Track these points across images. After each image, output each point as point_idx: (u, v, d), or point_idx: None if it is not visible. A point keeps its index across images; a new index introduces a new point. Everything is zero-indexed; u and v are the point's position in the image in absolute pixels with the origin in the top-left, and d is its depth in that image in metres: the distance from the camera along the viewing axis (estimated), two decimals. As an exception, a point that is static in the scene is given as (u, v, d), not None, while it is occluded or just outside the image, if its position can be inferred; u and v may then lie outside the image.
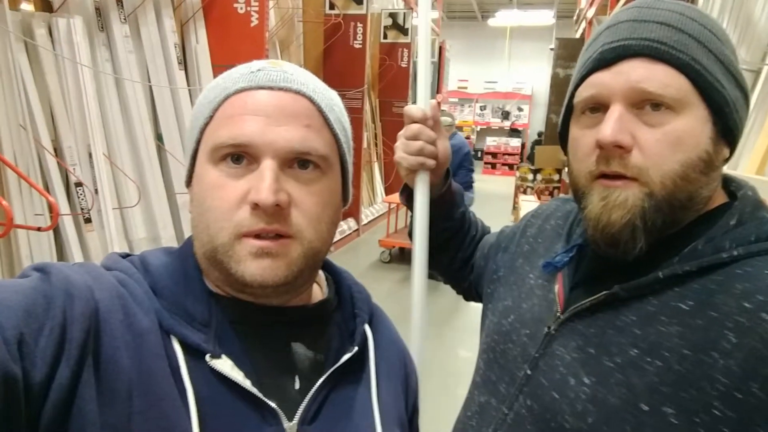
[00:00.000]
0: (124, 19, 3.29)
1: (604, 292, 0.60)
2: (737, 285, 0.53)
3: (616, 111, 0.57)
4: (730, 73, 0.58)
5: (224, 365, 0.50)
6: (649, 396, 0.53)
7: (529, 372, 0.65)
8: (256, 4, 3.90)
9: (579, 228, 0.71)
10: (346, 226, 6.17)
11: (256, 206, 0.49)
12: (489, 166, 15.56)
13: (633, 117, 0.57)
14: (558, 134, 0.71)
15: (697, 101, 0.56)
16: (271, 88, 0.52)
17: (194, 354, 0.50)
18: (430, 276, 0.87)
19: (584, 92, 0.61)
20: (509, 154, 15.30)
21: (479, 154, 15.69)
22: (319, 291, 0.64)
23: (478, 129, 16.24)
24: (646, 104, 0.57)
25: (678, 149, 0.56)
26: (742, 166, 2.27)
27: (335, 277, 0.66)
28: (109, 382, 0.45)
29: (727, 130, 0.58)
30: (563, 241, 0.73)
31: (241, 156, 0.51)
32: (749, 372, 0.49)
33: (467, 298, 0.97)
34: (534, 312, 0.69)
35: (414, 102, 0.82)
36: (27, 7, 3.05)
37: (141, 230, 3.35)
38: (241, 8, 3.92)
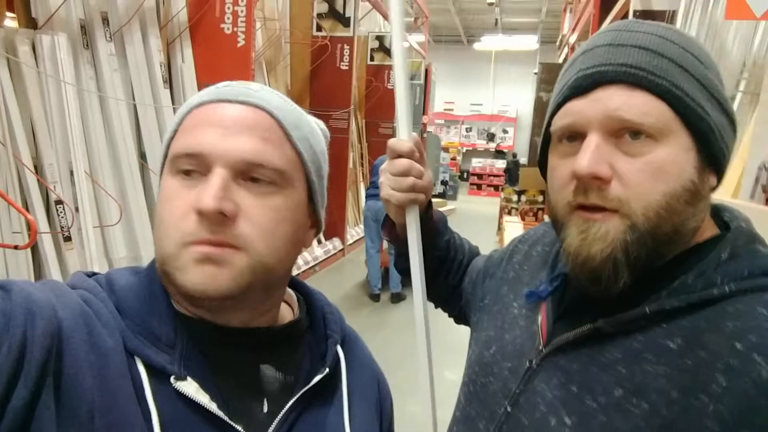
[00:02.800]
0: (110, 37, 3.29)
1: (588, 326, 0.57)
2: (728, 323, 0.50)
3: (593, 141, 0.54)
4: (715, 99, 0.55)
5: (189, 387, 0.49)
6: None
7: (509, 409, 0.62)
8: (243, 24, 3.93)
9: None
10: (332, 245, 6.15)
11: (201, 214, 0.48)
12: (474, 187, 15.68)
13: (611, 147, 0.54)
14: (537, 162, 0.69)
15: (679, 128, 0.54)
16: (230, 101, 0.53)
17: (159, 376, 0.49)
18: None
19: (560, 121, 0.59)
20: (494, 176, 15.44)
21: (465, 175, 15.83)
22: (289, 312, 0.63)
23: (464, 150, 16.40)
24: (624, 133, 0.54)
25: (660, 179, 0.53)
26: (719, 191, 2.32)
27: (307, 298, 0.65)
28: (70, 404, 0.44)
29: (713, 157, 0.55)
30: (549, 269, 0.70)
31: (192, 171, 0.51)
32: (741, 418, 0.46)
33: (458, 322, 0.95)
34: (516, 344, 0.66)
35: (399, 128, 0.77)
36: (11, 23, 3.04)
37: (122, 249, 3.31)
38: (228, 28, 3.95)
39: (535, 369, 0.61)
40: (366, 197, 4.88)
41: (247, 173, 0.51)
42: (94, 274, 0.55)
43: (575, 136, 0.57)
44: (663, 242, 0.54)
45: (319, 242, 6.06)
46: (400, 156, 0.75)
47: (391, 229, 0.86)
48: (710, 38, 2.59)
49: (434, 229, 0.87)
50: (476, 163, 15.76)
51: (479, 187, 15.66)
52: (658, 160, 0.53)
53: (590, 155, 0.53)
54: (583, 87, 0.56)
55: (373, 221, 4.75)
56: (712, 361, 0.49)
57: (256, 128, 0.52)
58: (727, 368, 0.48)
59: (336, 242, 6.27)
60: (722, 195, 2.18)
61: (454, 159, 15.00)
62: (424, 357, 0.76)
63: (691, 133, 0.54)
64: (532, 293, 0.66)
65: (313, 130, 0.58)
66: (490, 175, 15.52)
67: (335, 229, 6.27)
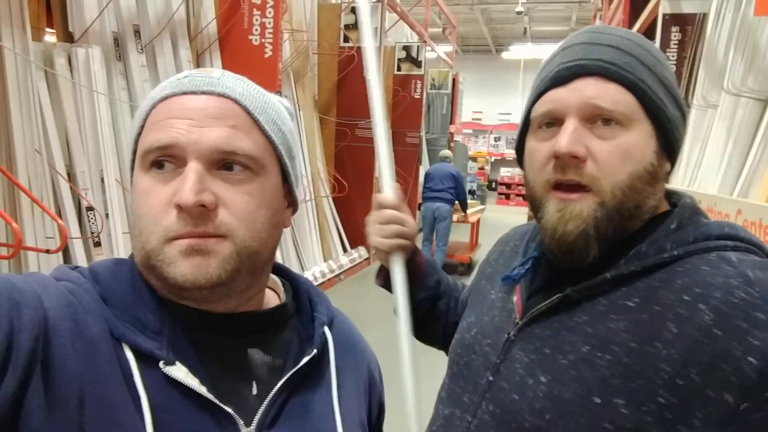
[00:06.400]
0: (141, 49, 3.40)
1: (558, 295, 0.64)
2: (677, 281, 0.58)
3: (571, 124, 0.61)
4: (671, 94, 0.64)
5: (179, 372, 0.49)
6: (600, 389, 0.57)
7: (491, 378, 0.67)
8: (271, 36, 4.01)
9: (534, 243, 0.76)
10: (357, 254, 6.16)
11: (180, 209, 0.49)
12: (503, 196, 15.55)
13: (586, 131, 0.61)
14: (515, 148, 0.75)
15: (643, 118, 0.62)
16: (194, 93, 0.53)
17: (148, 361, 0.49)
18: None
19: (541, 108, 0.65)
20: (523, 185, 15.26)
21: (493, 185, 15.70)
22: (275, 297, 0.64)
23: (493, 160, 16.28)
24: (597, 119, 0.61)
25: (627, 161, 0.61)
26: (752, 194, 2.23)
27: (292, 282, 0.66)
28: (60, 391, 0.44)
29: (668, 145, 0.64)
30: (520, 257, 0.77)
31: (165, 162, 0.51)
32: (688, 358, 0.53)
33: None
34: (495, 322, 0.72)
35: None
36: (50, 38, 3.17)
37: (150, 255, 3.38)
38: (256, 40, 4.03)
39: (512, 340, 0.67)
40: (423, 200, 6.18)
41: (220, 162, 0.51)
42: (77, 267, 0.56)
43: (553, 122, 0.64)
44: (626, 218, 0.62)
45: (345, 250, 6.08)
46: (385, 207, 0.85)
47: (386, 278, 0.92)
48: (743, 39, 2.51)
49: (420, 270, 0.94)
50: (504, 173, 15.63)
51: (507, 196, 15.51)
52: (625, 143, 0.61)
53: (569, 136, 0.61)
54: (563, 78, 0.63)
55: (429, 219, 6.00)
56: (665, 313, 0.56)
57: (223, 117, 0.52)
58: (676, 317, 0.55)
59: (361, 251, 6.28)
60: (757, 199, 2.10)
61: (482, 168, 14.90)
62: (411, 402, 0.74)
63: (652, 123, 0.62)
64: (507, 276, 0.74)
65: (279, 111, 0.58)
66: (518, 185, 15.35)
67: (360, 238, 6.28)
